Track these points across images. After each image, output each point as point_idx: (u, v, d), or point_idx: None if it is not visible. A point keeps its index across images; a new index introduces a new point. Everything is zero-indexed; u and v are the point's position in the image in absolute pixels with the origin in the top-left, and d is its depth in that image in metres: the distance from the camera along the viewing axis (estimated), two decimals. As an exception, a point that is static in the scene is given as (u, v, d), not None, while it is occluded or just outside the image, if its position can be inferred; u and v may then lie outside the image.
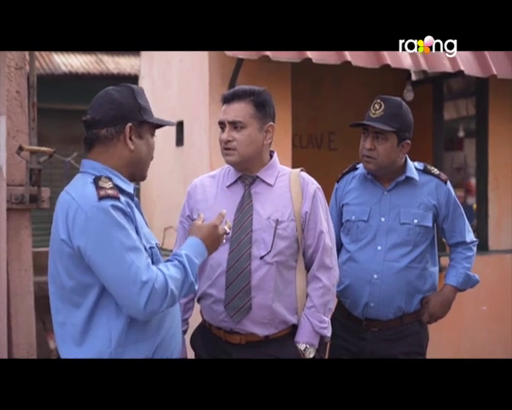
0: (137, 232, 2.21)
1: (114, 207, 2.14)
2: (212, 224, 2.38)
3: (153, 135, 2.36)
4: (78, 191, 2.19)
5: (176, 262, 2.24)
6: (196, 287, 2.29)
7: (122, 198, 2.19)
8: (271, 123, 2.75)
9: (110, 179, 2.20)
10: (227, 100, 2.73)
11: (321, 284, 2.75)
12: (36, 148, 3.71)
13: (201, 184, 2.85)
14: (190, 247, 2.31)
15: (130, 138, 2.26)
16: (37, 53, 5.53)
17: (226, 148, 2.71)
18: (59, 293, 2.22)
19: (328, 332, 2.78)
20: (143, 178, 2.38)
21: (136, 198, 2.34)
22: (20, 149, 3.53)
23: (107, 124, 2.24)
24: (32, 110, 3.83)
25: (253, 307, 2.67)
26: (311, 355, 2.72)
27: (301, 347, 2.71)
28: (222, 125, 2.73)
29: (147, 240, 2.27)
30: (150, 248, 2.27)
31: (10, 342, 3.54)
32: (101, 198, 2.13)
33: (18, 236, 3.63)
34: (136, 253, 2.14)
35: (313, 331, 2.72)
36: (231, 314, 2.68)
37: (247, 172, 2.77)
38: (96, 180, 2.18)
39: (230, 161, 2.73)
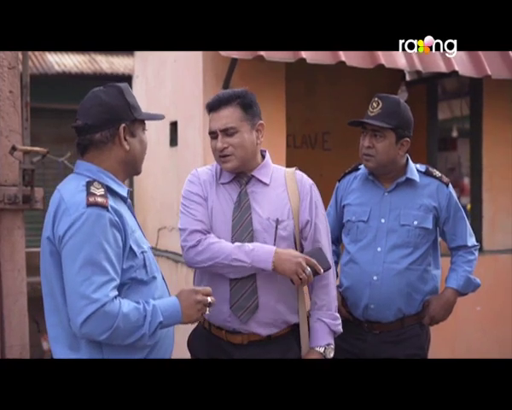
0: (127, 237, 2.18)
1: (99, 216, 2.11)
2: (192, 289, 2.29)
3: (144, 130, 2.35)
4: (70, 193, 2.17)
5: (140, 306, 2.15)
6: (148, 343, 2.18)
7: (112, 204, 2.17)
8: (261, 121, 2.73)
9: (103, 185, 2.19)
10: (213, 108, 2.69)
11: (326, 282, 2.76)
12: (29, 148, 3.68)
13: (202, 178, 2.76)
14: (165, 303, 2.22)
15: (125, 139, 2.26)
16: (30, 52, 5.49)
17: (223, 155, 2.67)
18: (51, 292, 2.20)
19: (341, 327, 2.80)
20: (138, 173, 2.39)
21: (129, 200, 2.33)
22: (13, 149, 3.51)
23: (100, 128, 2.22)
24: (26, 110, 3.80)
25: (258, 307, 2.66)
26: (332, 354, 2.73)
27: (320, 350, 2.71)
28: (213, 134, 2.69)
29: (138, 245, 2.24)
30: (142, 252, 2.25)
31: (3, 344, 3.52)
32: (88, 205, 2.11)
33: (11, 236, 3.60)
34: (99, 270, 2.08)
35: (330, 332, 2.75)
36: (238, 314, 2.66)
37: (243, 173, 2.74)
38: (89, 185, 2.16)
39: (229, 167, 2.69)
